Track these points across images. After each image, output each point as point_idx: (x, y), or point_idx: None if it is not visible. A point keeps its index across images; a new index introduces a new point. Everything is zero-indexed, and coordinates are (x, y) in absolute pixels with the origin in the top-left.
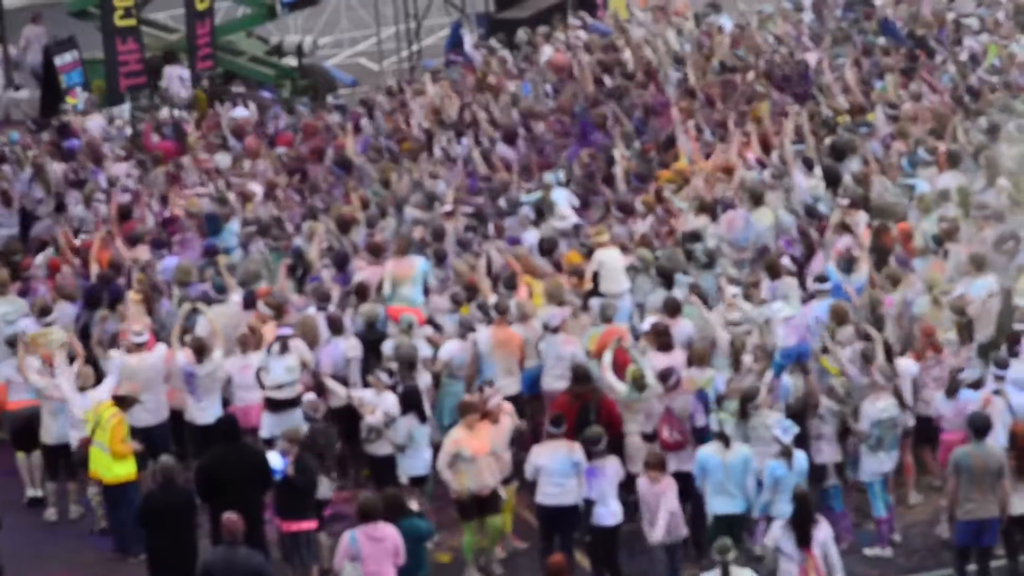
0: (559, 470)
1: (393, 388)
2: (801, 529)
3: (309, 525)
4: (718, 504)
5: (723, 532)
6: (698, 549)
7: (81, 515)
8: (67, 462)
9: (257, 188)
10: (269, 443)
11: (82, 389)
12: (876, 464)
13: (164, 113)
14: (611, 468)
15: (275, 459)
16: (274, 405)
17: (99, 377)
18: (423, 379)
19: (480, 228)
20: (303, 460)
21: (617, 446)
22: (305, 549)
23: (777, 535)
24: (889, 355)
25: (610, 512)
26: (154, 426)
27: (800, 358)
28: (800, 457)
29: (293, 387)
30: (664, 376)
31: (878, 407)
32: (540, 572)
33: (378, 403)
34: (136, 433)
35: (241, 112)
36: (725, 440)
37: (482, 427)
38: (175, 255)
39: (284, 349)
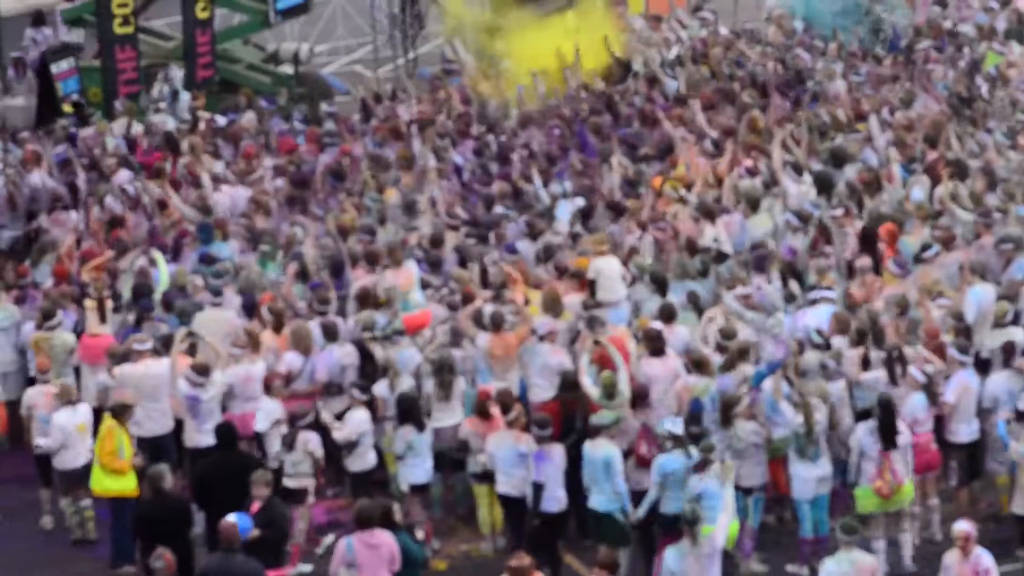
0: (507, 459)
1: (367, 404)
2: (885, 433)
3: (282, 574)
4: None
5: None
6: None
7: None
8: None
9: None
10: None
11: (68, 403)
12: (804, 471)
13: (156, 119)
14: (557, 454)
15: (237, 522)
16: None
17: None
18: (406, 384)
19: (479, 237)
20: (271, 508)
21: None
22: None
23: (860, 437)
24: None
25: (555, 498)
26: (160, 436)
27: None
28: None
29: (298, 479)
30: (640, 394)
31: (797, 420)
32: None
33: (345, 420)
34: (143, 443)
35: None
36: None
37: None
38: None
39: (291, 446)
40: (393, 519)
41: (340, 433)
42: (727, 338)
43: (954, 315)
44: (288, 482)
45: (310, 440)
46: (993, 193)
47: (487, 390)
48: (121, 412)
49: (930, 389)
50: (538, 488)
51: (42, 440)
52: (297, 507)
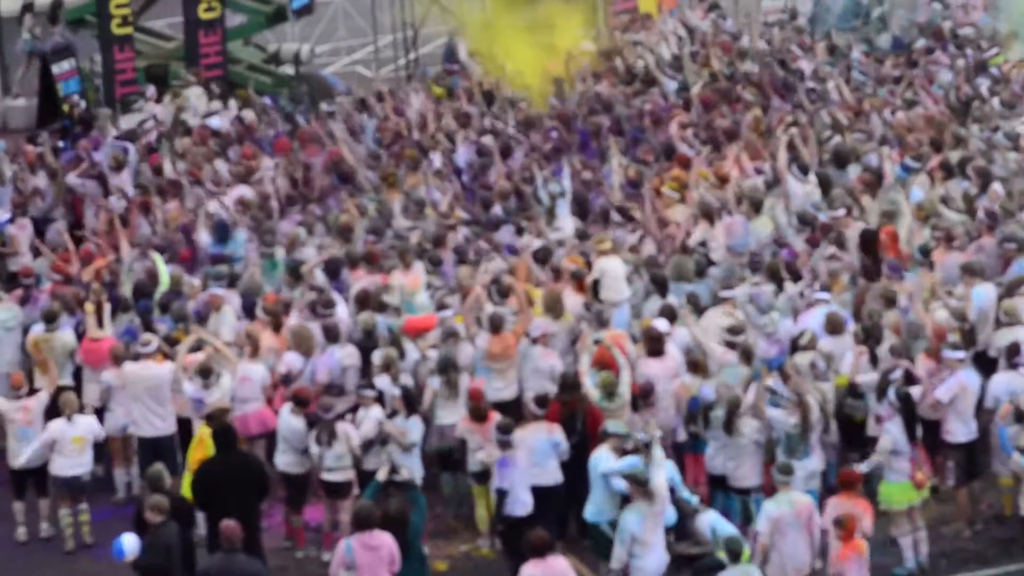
0: (540, 450)
1: (378, 399)
2: (908, 426)
3: None
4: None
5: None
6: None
7: (53, 535)
8: (36, 480)
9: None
10: None
11: (68, 416)
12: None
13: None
14: (522, 459)
15: (120, 544)
16: (326, 487)
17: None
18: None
19: (480, 236)
20: (161, 535)
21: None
22: None
23: (896, 435)
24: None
25: (521, 503)
26: (161, 437)
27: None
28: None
29: (342, 472)
30: (645, 392)
31: (791, 421)
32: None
33: (361, 422)
34: (144, 443)
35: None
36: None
37: None
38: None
39: (331, 439)
40: (406, 521)
41: (359, 432)
42: (735, 334)
43: (958, 316)
44: (329, 476)
45: (349, 432)
46: (986, 195)
47: (478, 389)
48: (215, 418)
49: (881, 388)
50: (501, 494)
51: (23, 456)
52: (341, 501)
